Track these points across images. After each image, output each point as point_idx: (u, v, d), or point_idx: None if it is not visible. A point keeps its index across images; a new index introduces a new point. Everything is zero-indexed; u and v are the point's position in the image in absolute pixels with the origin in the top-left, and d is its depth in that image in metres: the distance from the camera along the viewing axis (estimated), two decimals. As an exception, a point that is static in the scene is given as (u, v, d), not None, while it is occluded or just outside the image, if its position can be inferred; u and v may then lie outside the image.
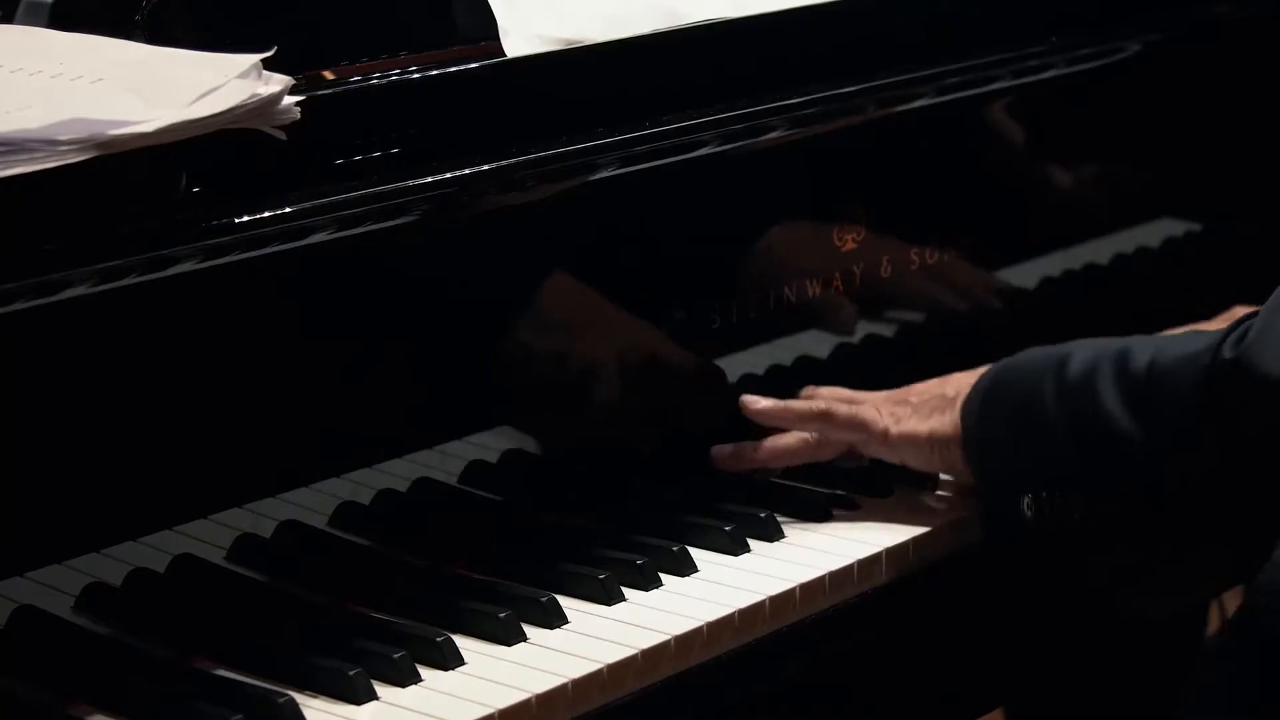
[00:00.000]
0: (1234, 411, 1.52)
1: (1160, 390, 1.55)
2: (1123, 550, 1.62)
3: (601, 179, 1.61)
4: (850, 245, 1.81)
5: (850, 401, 1.70)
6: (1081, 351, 1.61)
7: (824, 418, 1.68)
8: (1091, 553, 1.63)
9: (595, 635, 1.48)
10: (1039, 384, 1.61)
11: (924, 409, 1.67)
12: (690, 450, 1.73)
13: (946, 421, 1.65)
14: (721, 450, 1.71)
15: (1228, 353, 1.52)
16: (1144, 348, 1.58)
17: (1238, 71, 2.10)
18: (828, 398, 1.72)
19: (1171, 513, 1.58)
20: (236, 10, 1.52)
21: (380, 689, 1.41)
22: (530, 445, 1.65)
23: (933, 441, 1.66)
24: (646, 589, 1.55)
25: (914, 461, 1.68)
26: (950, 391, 1.67)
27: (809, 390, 1.74)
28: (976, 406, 1.63)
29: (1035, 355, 1.65)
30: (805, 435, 1.69)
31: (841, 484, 1.70)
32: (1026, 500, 1.61)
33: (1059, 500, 1.59)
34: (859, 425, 1.68)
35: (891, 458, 1.69)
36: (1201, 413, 1.53)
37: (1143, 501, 1.57)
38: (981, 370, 1.67)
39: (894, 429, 1.66)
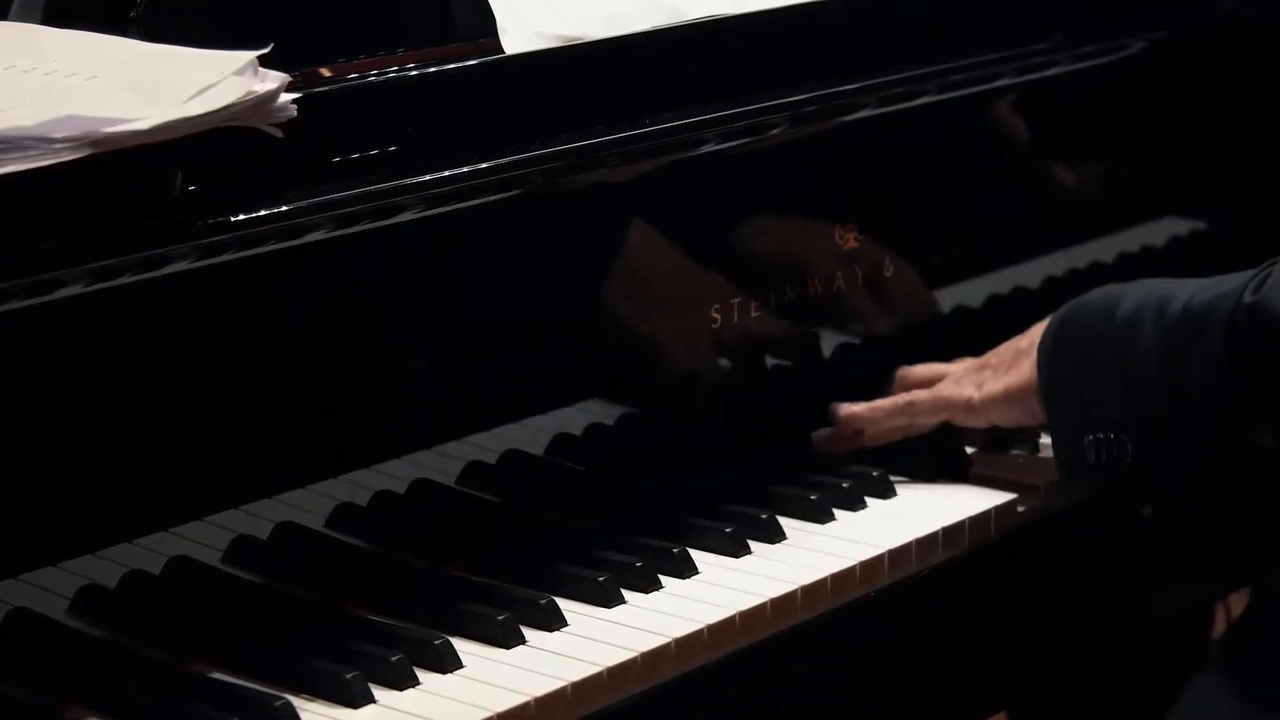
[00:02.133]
0: (1253, 359, 1.52)
1: (1190, 335, 1.56)
2: (1131, 552, 1.61)
3: (600, 177, 1.60)
4: (852, 244, 1.80)
5: (932, 379, 1.75)
6: (1133, 293, 1.63)
7: (909, 410, 1.73)
8: (1106, 548, 1.63)
9: (595, 638, 1.47)
10: (1094, 327, 1.64)
11: (1001, 368, 1.71)
12: (690, 450, 1.72)
13: (1023, 373, 1.68)
14: (820, 434, 1.75)
15: (1248, 297, 1.52)
16: (1184, 290, 1.59)
17: (1243, 69, 2.10)
18: (915, 379, 1.76)
19: (1192, 495, 1.59)
20: (232, 7, 1.51)
21: (378, 692, 1.40)
22: (529, 446, 1.64)
23: (1010, 396, 1.69)
24: (647, 591, 1.54)
25: (1001, 420, 1.71)
26: (1024, 343, 1.70)
27: (901, 371, 1.78)
28: (1047, 353, 1.66)
29: (1097, 296, 1.67)
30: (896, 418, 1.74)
31: (844, 485, 1.69)
32: (1088, 440, 1.63)
33: (1114, 442, 1.61)
34: (943, 405, 1.72)
35: (980, 423, 1.73)
36: (1223, 360, 1.53)
37: (1181, 454, 1.59)
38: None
39: (977, 396, 1.70)
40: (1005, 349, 1.73)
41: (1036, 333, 1.70)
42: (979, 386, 1.71)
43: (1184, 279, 1.64)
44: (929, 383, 1.76)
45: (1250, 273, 1.56)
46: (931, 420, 1.73)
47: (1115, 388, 1.61)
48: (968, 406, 1.71)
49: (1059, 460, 1.68)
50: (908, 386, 1.77)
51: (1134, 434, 1.61)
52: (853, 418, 1.74)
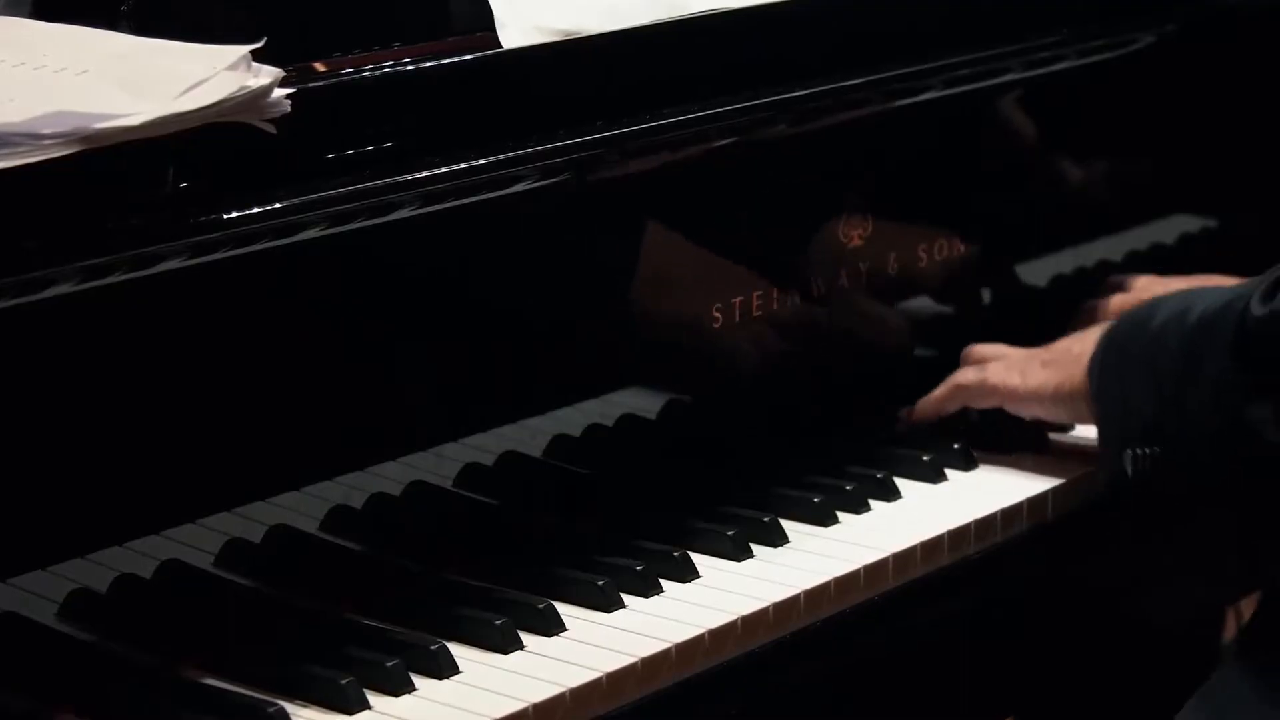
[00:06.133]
0: (1267, 370, 1.54)
1: (1202, 343, 1.59)
2: (1141, 555, 1.61)
3: (600, 174, 1.58)
4: (857, 241, 1.80)
5: (984, 361, 1.79)
6: (1166, 304, 1.66)
7: (958, 394, 1.77)
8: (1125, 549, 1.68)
9: (594, 643, 1.46)
10: (1133, 338, 1.67)
11: (1053, 366, 1.74)
12: (690, 451, 1.71)
13: (1075, 375, 1.71)
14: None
15: (1256, 309, 1.54)
16: (1203, 299, 1.62)
17: (1254, 64, 2.09)
18: (976, 356, 1.80)
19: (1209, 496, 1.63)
20: (226, 0, 1.50)
21: (373, 698, 1.39)
22: (527, 448, 1.62)
23: (1059, 396, 1.72)
24: (646, 595, 1.53)
25: (1042, 414, 1.75)
26: (1078, 348, 1.73)
27: (966, 350, 1.82)
28: (1097, 364, 1.69)
29: (1140, 309, 1.71)
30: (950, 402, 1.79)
31: (847, 488, 1.67)
32: (1128, 454, 1.65)
33: (1148, 457, 1.64)
34: (989, 390, 1.76)
35: (1022, 412, 1.76)
36: (1232, 370, 1.55)
37: (1210, 463, 1.61)
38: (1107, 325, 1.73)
39: (1023, 387, 1.74)
40: (1060, 347, 1.76)
41: (1091, 339, 1.72)
42: (1024, 377, 1.74)
43: (1211, 286, 1.66)
44: (985, 361, 1.79)
45: (1251, 283, 1.57)
46: (981, 404, 1.77)
47: (1150, 395, 1.64)
48: (1011, 395, 1.74)
49: (1104, 472, 1.70)
50: (969, 360, 1.82)
51: (1162, 441, 1.63)
52: (919, 417, 1.79)
